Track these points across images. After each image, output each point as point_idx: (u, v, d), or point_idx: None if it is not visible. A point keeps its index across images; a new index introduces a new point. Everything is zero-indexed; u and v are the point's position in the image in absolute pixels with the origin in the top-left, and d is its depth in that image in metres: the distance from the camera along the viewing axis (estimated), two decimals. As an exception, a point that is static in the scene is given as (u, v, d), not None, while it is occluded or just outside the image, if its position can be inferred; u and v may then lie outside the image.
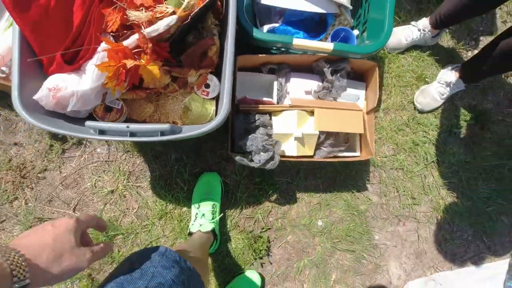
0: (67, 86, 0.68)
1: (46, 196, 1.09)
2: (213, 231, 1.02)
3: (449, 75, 1.23)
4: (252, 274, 1.12)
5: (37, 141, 1.10)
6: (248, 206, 1.17)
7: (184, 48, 0.90)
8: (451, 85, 1.22)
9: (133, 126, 0.71)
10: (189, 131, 0.76)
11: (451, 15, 1.06)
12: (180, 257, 0.60)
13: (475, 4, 0.96)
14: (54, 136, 1.10)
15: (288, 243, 1.18)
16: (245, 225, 1.17)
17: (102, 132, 0.70)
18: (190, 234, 1.02)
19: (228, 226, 1.15)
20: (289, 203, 1.19)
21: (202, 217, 1.03)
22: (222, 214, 1.12)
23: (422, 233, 1.25)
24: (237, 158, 0.86)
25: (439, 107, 1.28)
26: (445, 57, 1.31)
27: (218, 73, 1.02)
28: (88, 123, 0.69)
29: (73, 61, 0.71)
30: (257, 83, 1.02)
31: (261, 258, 1.16)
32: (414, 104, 1.28)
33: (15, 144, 1.10)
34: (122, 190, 1.12)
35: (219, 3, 0.92)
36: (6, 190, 1.07)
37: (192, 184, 1.14)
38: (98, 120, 0.83)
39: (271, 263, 1.16)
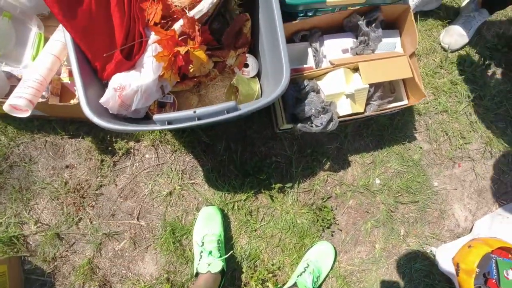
0: (130, 83, 0.68)
1: (108, 211, 1.10)
2: (222, 270, 0.96)
3: (471, 7, 1.21)
4: (324, 245, 1.11)
5: (87, 159, 1.11)
6: (304, 179, 1.17)
7: (218, 32, 0.90)
8: (476, 16, 1.20)
9: (200, 110, 0.70)
10: (250, 107, 0.76)
11: None
12: None
13: None
14: (103, 151, 1.11)
15: (351, 208, 1.18)
16: (305, 198, 1.16)
17: (170, 122, 0.70)
18: (197, 274, 0.96)
19: (290, 203, 1.15)
20: (343, 168, 1.19)
21: (209, 255, 0.97)
22: (231, 252, 1.06)
23: (479, 171, 1.24)
24: (299, 125, 0.86)
25: (467, 43, 1.26)
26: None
27: (252, 52, 1.02)
28: (157, 116, 0.69)
29: (129, 58, 0.71)
30: (291, 53, 1.01)
31: (328, 227, 1.15)
32: (441, 46, 1.27)
33: (67, 166, 1.10)
34: (179, 190, 1.12)
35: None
36: (69, 213, 1.08)
37: (245, 169, 1.14)
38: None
39: (340, 230, 1.16)
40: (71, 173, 1.10)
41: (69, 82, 1.06)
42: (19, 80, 1.01)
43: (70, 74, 1.06)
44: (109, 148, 1.11)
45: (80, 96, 0.67)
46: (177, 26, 0.74)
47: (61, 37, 0.99)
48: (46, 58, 0.93)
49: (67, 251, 1.07)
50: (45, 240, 1.06)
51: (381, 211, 1.18)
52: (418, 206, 1.20)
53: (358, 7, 0.94)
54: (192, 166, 1.15)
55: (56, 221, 1.07)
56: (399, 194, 1.19)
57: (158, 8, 0.74)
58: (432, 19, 1.30)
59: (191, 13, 0.72)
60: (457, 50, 1.25)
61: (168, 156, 1.14)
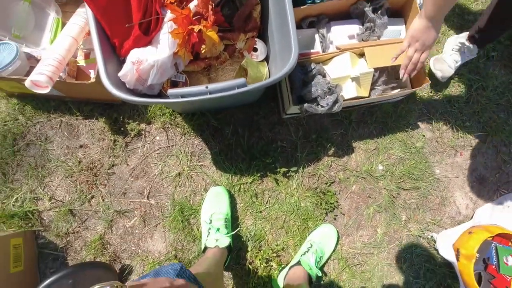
0: (147, 58, 0.72)
1: (119, 189, 1.14)
2: (229, 245, 1.00)
3: (459, 42, 1.20)
4: (327, 228, 1.15)
5: (100, 139, 1.15)
6: (308, 164, 1.20)
7: (228, 18, 0.94)
8: (465, 51, 1.19)
9: (212, 86, 0.74)
10: (259, 84, 0.79)
11: None
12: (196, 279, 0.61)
13: None
14: (116, 132, 1.15)
15: (354, 193, 1.21)
16: (309, 183, 1.20)
17: (183, 96, 0.74)
18: (205, 250, 1.00)
19: (294, 186, 1.18)
20: (347, 154, 1.22)
21: (217, 231, 1.01)
22: (238, 228, 1.11)
23: (481, 160, 1.26)
24: (306, 105, 0.89)
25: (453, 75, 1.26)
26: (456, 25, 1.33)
27: (261, 37, 1.05)
28: (171, 90, 0.73)
29: (147, 34, 0.76)
30: (299, 39, 1.05)
31: (332, 211, 1.18)
32: (432, 72, 1.24)
33: (81, 146, 1.15)
34: (188, 171, 1.16)
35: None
36: (82, 191, 1.12)
37: (252, 153, 1.17)
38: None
39: (343, 214, 1.19)
40: (85, 153, 1.15)
41: (84, 65, 1.11)
42: (38, 61, 1.06)
43: (86, 56, 1.11)
44: (122, 129, 1.15)
45: (100, 69, 0.71)
46: (192, 5, 0.78)
47: (79, 20, 1.04)
48: (65, 40, 0.98)
49: (79, 227, 1.11)
50: (58, 216, 1.10)
51: (383, 197, 1.21)
52: (419, 193, 1.22)
53: (365, -7, 0.97)
54: (200, 149, 1.19)
55: (69, 198, 1.12)
56: (401, 180, 1.22)
57: (174, -11, 0.78)
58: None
59: (205, -7, 0.76)
60: (445, 79, 1.23)
61: (178, 138, 1.18)
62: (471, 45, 1.17)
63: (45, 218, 1.10)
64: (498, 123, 1.26)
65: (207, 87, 0.75)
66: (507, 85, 1.28)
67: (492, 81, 1.27)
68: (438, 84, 1.27)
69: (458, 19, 1.34)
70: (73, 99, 1.14)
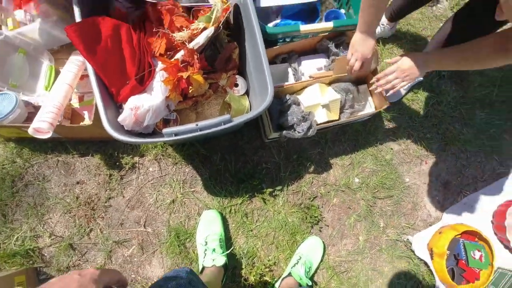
0: (143, 103, 0.82)
1: (116, 221, 1.20)
2: (225, 264, 1.08)
3: None
4: (313, 240, 1.25)
5: (96, 174, 1.22)
6: (292, 182, 1.32)
7: (210, 58, 1.07)
8: None
9: (201, 123, 0.85)
10: (242, 118, 0.91)
11: (402, 8, 1.26)
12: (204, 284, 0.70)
13: None
14: (111, 166, 1.23)
15: (335, 205, 1.33)
16: (294, 199, 1.31)
17: (177, 134, 0.84)
18: (203, 270, 1.07)
19: (280, 204, 1.29)
20: (326, 170, 1.35)
21: (213, 252, 1.09)
22: (232, 248, 1.19)
23: (443, 166, 1.42)
24: (284, 132, 1.02)
25: (402, 97, 1.45)
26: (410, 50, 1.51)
27: (241, 73, 1.18)
28: (165, 130, 0.83)
29: (141, 83, 0.86)
30: (274, 73, 1.19)
31: (316, 223, 1.29)
32: None
33: (78, 182, 1.21)
34: (181, 198, 1.25)
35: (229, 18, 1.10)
36: (81, 225, 1.18)
37: (239, 176, 1.28)
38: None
39: (327, 226, 1.30)
40: (82, 188, 1.21)
41: (78, 106, 1.20)
42: (34, 107, 1.14)
43: (80, 99, 1.20)
44: (117, 164, 1.23)
45: (101, 116, 0.81)
46: (179, 55, 0.90)
47: (72, 68, 1.14)
48: (61, 87, 1.08)
49: (79, 260, 1.16)
50: (59, 251, 1.15)
51: (362, 207, 1.33)
52: (393, 200, 1.36)
53: (327, 33, 1.13)
54: (192, 176, 1.28)
55: (69, 233, 1.17)
56: (376, 190, 1.35)
57: (162, 42, 0.90)
58: (392, 40, 1.52)
59: (190, 45, 0.88)
60: (394, 102, 1.42)
61: (170, 168, 1.28)
62: None
63: (46, 254, 1.15)
64: (454, 133, 1.43)
65: (197, 125, 0.86)
66: (458, 100, 1.46)
67: (445, 96, 1.46)
68: (399, 103, 1.44)
69: (411, 45, 1.53)
70: (69, 140, 1.22)
